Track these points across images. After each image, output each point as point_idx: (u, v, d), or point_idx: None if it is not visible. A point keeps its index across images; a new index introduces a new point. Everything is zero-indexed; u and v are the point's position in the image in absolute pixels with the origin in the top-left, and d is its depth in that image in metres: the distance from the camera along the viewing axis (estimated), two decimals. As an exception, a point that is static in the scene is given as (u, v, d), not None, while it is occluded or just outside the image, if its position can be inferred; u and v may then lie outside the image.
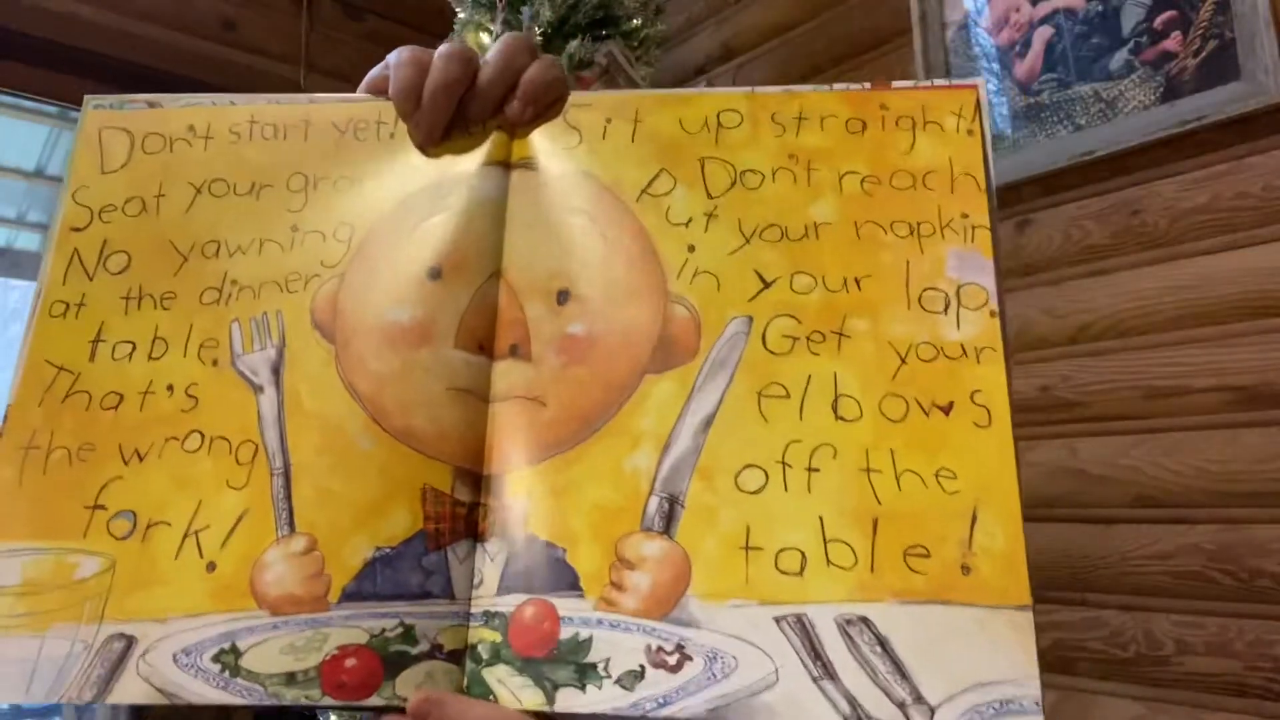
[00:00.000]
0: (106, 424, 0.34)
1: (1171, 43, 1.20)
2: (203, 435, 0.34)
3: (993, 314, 0.33)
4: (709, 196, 0.36)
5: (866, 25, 1.62)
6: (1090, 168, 1.27)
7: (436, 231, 0.36)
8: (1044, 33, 1.35)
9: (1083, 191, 1.29)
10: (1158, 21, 1.22)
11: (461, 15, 1.58)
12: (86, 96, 0.38)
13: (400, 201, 0.37)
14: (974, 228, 0.34)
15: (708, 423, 0.33)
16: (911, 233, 0.34)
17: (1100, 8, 1.28)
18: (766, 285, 0.34)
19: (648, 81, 1.51)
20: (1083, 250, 1.28)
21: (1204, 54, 1.17)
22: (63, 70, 1.81)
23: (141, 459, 0.33)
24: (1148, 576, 1.17)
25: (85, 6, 1.82)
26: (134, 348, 0.35)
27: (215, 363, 0.35)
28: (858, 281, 0.34)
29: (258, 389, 0.34)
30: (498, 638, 0.32)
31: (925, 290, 0.34)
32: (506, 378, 0.34)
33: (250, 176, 0.37)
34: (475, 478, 0.34)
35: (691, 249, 0.35)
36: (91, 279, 0.36)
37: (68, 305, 0.35)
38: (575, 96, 0.38)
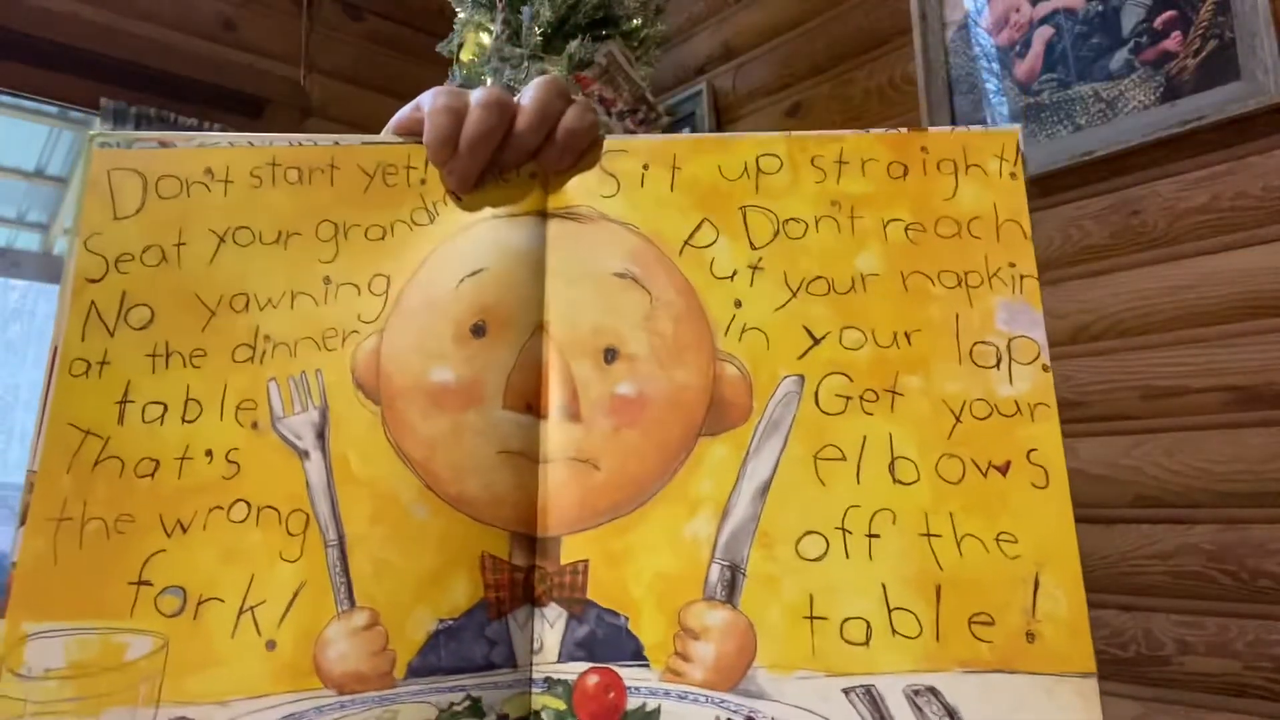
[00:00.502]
0: (143, 493, 0.32)
1: (1171, 43, 1.20)
2: (249, 505, 0.32)
3: (1045, 368, 0.33)
4: (752, 248, 0.35)
5: (866, 25, 1.62)
6: (1090, 168, 1.27)
7: (478, 286, 0.35)
8: (1044, 33, 1.35)
9: (1082, 191, 1.29)
10: (1158, 21, 1.22)
11: (461, 15, 1.58)
12: (90, 134, 0.35)
13: (436, 252, 0.36)
14: (1022, 277, 0.34)
15: (765, 488, 0.32)
16: (959, 283, 0.34)
17: (1100, 8, 1.28)
18: (816, 341, 0.34)
19: (648, 81, 1.51)
20: (1082, 250, 1.28)
21: (1204, 54, 1.17)
22: (63, 70, 1.81)
23: (185, 530, 0.32)
24: (1148, 576, 1.17)
25: (85, 6, 1.82)
26: (165, 409, 0.33)
27: (255, 425, 0.33)
28: (908, 336, 0.33)
29: (303, 454, 0.33)
30: (562, 705, 0.31)
31: (976, 344, 0.33)
32: (556, 438, 0.34)
33: (276, 224, 0.35)
34: (530, 541, 0.33)
35: (738, 304, 0.34)
36: (113, 335, 0.34)
37: (89, 363, 0.33)
38: (611, 142, 0.37)
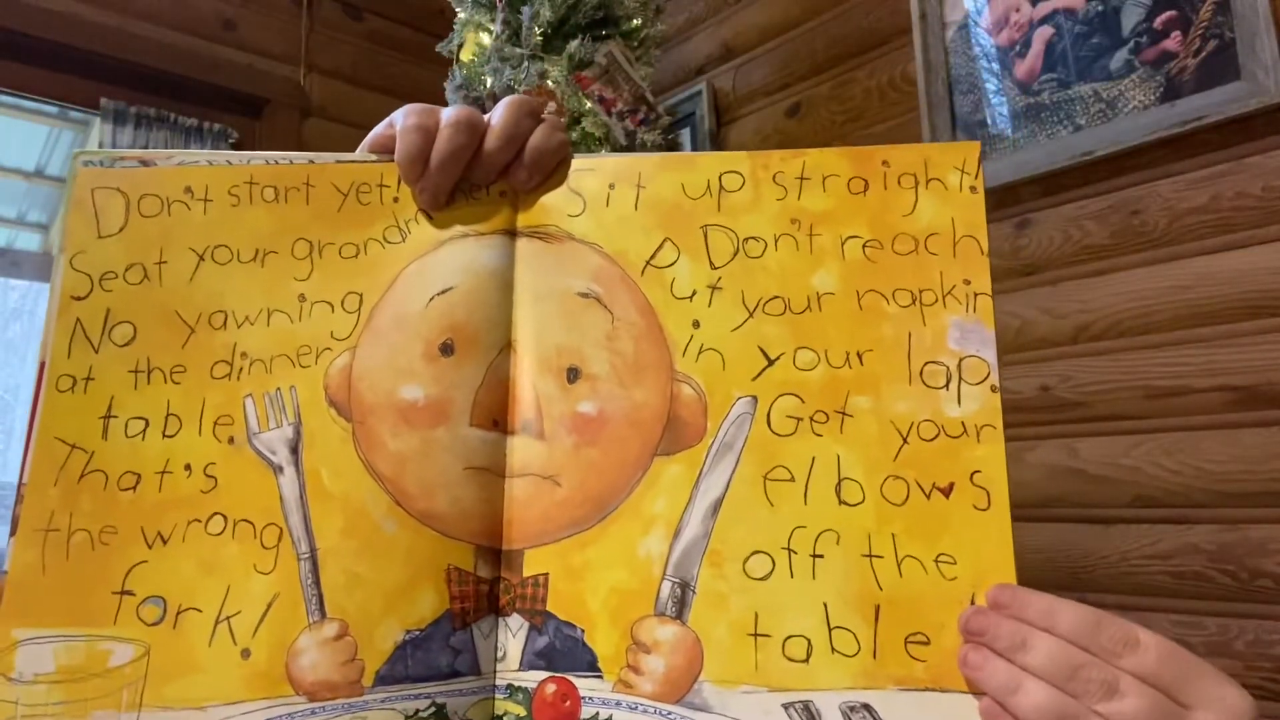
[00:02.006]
0: (126, 505, 0.33)
1: (1171, 43, 1.20)
2: (225, 518, 0.33)
3: (994, 389, 0.33)
4: (712, 267, 0.36)
5: (866, 25, 1.62)
6: (1090, 168, 1.27)
7: (447, 305, 0.36)
8: (1044, 33, 1.35)
9: (1083, 191, 1.29)
10: (1158, 21, 1.22)
11: (461, 15, 1.58)
12: (75, 152, 0.37)
13: (407, 270, 0.36)
14: (976, 295, 0.34)
15: (716, 507, 0.33)
16: (914, 301, 0.34)
17: (1100, 8, 1.28)
18: (770, 362, 0.34)
19: (648, 81, 1.51)
20: (1083, 250, 1.28)
21: (1204, 54, 1.17)
22: (63, 70, 1.81)
23: (165, 542, 0.33)
24: (1148, 576, 1.17)
25: (85, 6, 1.82)
26: (147, 424, 0.34)
27: (231, 440, 0.34)
28: (860, 356, 0.34)
29: (277, 469, 0.34)
30: (522, 712, 0.33)
31: (927, 364, 0.33)
32: (521, 454, 0.35)
33: (254, 242, 0.36)
34: (494, 553, 0.34)
35: (696, 325, 0.35)
36: (97, 351, 0.35)
37: (74, 379, 0.34)
38: (578, 161, 0.38)
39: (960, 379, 0.33)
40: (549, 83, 1.42)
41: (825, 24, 1.69)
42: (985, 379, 0.33)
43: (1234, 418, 1.12)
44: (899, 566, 0.31)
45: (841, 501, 0.32)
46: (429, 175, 0.36)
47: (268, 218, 0.36)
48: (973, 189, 0.35)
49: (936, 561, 0.31)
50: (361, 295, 0.36)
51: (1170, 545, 1.15)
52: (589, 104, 1.44)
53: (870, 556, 0.31)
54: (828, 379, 0.34)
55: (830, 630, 0.31)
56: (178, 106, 1.89)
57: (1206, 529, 1.12)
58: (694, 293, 0.36)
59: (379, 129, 0.38)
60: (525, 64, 1.44)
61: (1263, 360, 1.09)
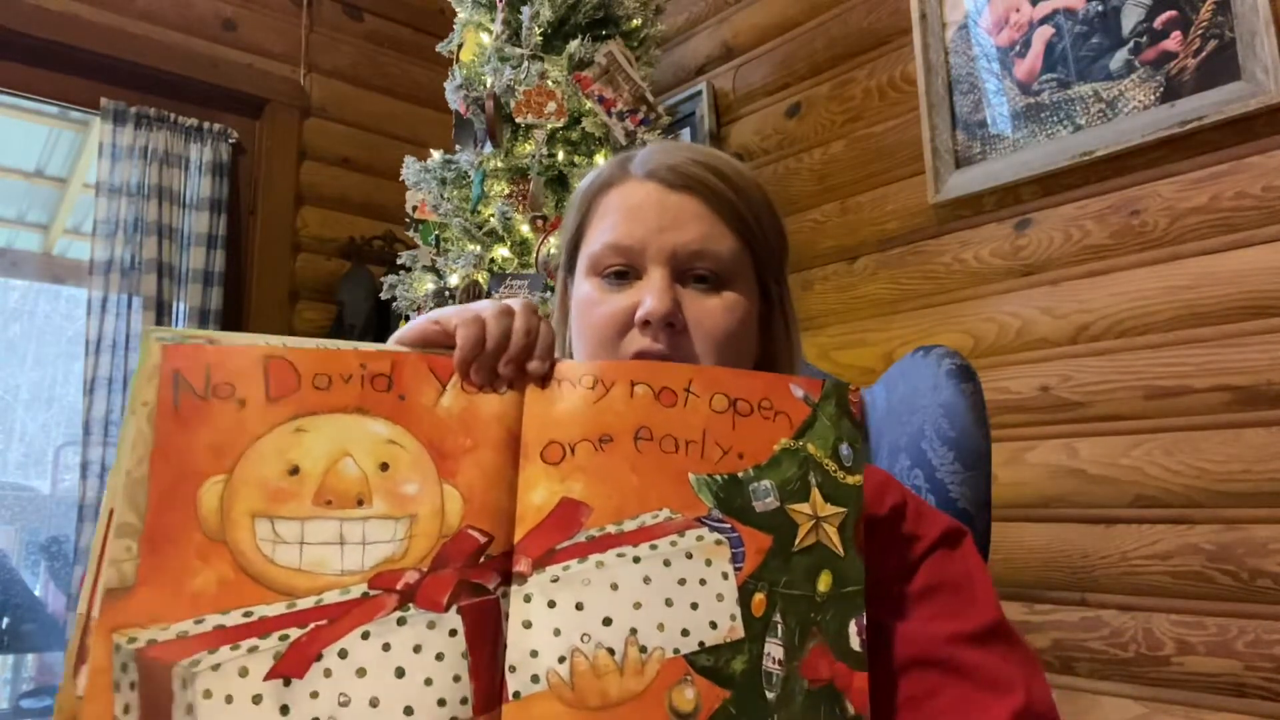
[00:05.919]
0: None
1: (1171, 43, 1.20)
2: None
3: None
4: None
5: (866, 25, 1.62)
6: (1090, 168, 1.27)
7: None
8: (1044, 33, 1.35)
9: (1083, 191, 1.29)
10: (1158, 21, 1.22)
11: (461, 15, 1.58)
12: (146, 330, 0.38)
13: None
14: None
15: None
16: None
17: (1100, 8, 1.28)
18: None
19: (648, 81, 1.51)
20: (1083, 250, 1.28)
21: (1204, 54, 1.17)
22: (63, 70, 1.81)
23: None
24: (1148, 576, 1.17)
25: (85, 7, 1.82)
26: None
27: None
28: None
29: None
30: None
31: None
32: None
33: None
34: None
35: None
36: None
37: None
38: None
39: None
40: (549, 83, 1.42)
41: (825, 24, 1.69)
42: None
43: (1234, 418, 1.12)
44: None
45: None
46: (485, 356, 0.41)
47: None
48: None
49: None
50: None
51: (1170, 545, 1.15)
52: (589, 104, 1.44)
53: None
54: None
55: None
56: (178, 106, 1.89)
57: (1206, 529, 1.12)
58: None
59: (421, 326, 0.42)
60: (525, 64, 1.44)
61: (1263, 360, 1.09)
